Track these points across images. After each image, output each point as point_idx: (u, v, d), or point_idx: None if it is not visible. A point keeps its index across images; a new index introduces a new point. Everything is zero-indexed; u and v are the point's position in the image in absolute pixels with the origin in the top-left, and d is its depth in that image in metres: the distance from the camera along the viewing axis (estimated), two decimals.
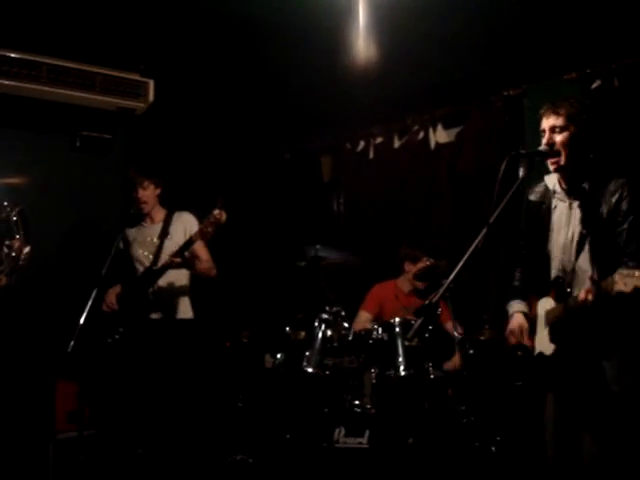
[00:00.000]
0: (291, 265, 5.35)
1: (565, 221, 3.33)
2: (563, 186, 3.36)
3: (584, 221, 3.25)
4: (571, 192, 3.33)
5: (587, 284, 3.10)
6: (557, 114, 3.24)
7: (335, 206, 7.09)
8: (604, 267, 3.15)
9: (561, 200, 3.37)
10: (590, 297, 3.02)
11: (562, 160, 3.25)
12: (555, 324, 3.29)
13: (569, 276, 3.29)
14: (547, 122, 3.28)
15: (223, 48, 5.41)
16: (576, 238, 3.26)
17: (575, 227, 3.29)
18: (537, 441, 3.57)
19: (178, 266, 4.77)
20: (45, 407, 5.01)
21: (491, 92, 5.57)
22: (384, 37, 4.79)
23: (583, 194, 3.28)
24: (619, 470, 3.14)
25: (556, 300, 3.31)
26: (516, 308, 3.52)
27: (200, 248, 4.90)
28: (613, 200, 3.19)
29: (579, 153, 3.26)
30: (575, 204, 3.31)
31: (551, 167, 3.30)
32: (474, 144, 5.75)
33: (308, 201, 7.24)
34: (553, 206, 3.39)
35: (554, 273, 3.36)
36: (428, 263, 5.25)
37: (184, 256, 4.72)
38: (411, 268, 5.42)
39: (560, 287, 3.31)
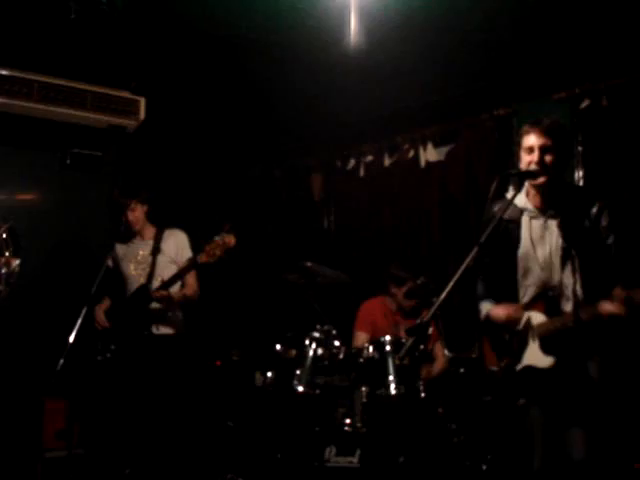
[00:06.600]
0: (282, 283, 5.33)
1: (540, 238, 3.37)
2: (537, 205, 3.38)
3: (566, 238, 3.28)
4: (547, 211, 3.36)
5: (615, 301, 3.14)
6: (547, 134, 3.25)
7: (325, 224, 7.10)
8: (589, 282, 3.25)
9: (534, 218, 3.39)
10: (621, 311, 3.10)
11: (545, 179, 3.27)
12: (548, 337, 3.31)
13: (556, 291, 3.34)
14: (538, 140, 3.25)
15: (214, 66, 5.44)
16: (558, 254, 3.31)
17: (552, 244, 3.34)
18: (527, 459, 3.57)
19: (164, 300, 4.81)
20: (33, 425, 4.97)
21: (481, 111, 5.61)
22: (375, 56, 4.82)
23: (563, 212, 3.32)
24: (607, 466, 3.19)
25: (547, 314, 3.34)
26: (490, 306, 3.54)
27: (189, 272, 4.89)
28: (592, 217, 3.27)
29: (559, 174, 3.31)
30: (551, 222, 3.35)
31: (534, 183, 3.31)
32: (464, 163, 5.77)
33: (299, 218, 7.25)
34: (527, 223, 3.40)
35: (532, 288, 3.41)
36: (413, 285, 5.25)
37: (171, 295, 4.79)
38: (396, 291, 5.37)
39: (551, 302, 3.34)
